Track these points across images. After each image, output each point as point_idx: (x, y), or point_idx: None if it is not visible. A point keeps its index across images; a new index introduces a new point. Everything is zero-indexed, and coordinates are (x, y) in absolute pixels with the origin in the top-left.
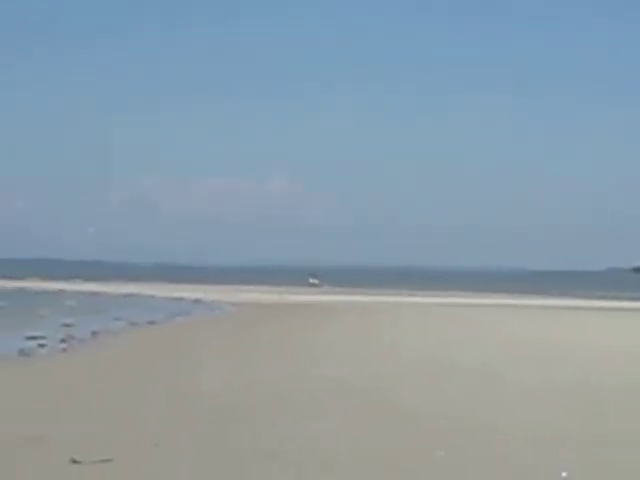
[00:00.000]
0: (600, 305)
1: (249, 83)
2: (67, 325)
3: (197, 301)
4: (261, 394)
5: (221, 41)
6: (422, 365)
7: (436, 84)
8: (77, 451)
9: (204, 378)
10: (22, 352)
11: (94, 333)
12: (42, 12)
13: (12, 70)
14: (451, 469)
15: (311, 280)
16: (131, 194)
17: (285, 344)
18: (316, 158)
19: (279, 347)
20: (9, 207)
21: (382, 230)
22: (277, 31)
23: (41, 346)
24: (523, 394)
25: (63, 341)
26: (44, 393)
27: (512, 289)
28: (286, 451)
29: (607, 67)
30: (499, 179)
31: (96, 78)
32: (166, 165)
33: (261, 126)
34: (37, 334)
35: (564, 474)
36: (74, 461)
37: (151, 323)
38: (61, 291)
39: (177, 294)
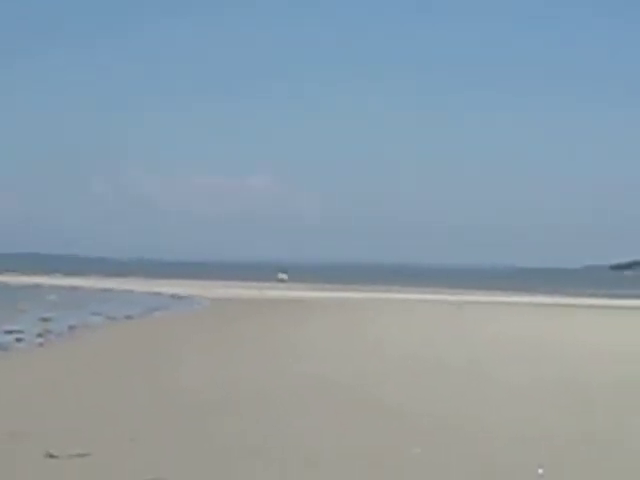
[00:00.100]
0: (587, 302)
1: (248, 83)
2: (45, 320)
3: (176, 296)
4: (243, 390)
5: (219, 40)
6: (406, 362)
7: (436, 84)
8: (54, 446)
9: (183, 373)
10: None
11: (71, 327)
12: (42, 12)
13: (12, 70)
14: (435, 467)
15: (280, 275)
16: (115, 187)
17: (266, 340)
18: (314, 158)
19: (260, 343)
20: (4, 203)
21: (375, 228)
22: (277, 31)
23: (18, 340)
24: (509, 392)
25: (40, 335)
26: (21, 388)
27: (497, 286)
28: (269, 448)
29: (607, 67)
30: (496, 178)
31: (96, 78)
32: (164, 163)
33: (257, 125)
34: (15, 328)
35: (540, 471)
36: (50, 455)
37: (129, 318)
38: (38, 285)
39: (156, 289)
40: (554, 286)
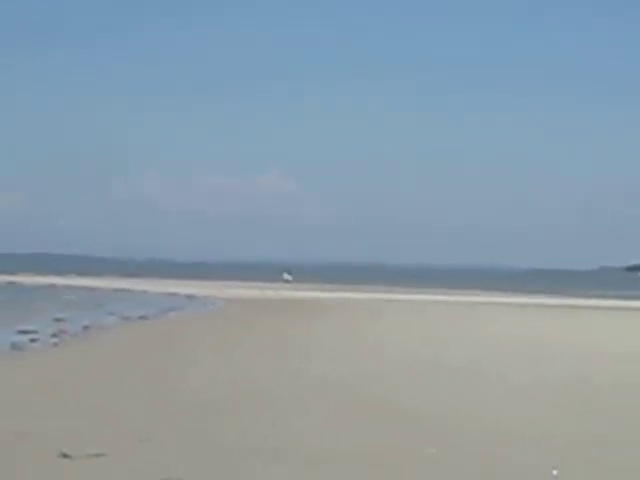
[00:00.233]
0: (593, 304)
1: (248, 82)
2: (59, 320)
3: (190, 297)
4: (247, 390)
5: (220, 40)
6: (407, 362)
7: (436, 84)
8: (67, 445)
9: (194, 374)
10: (14, 346)
11: (86, 328)
12: (42, 12)
13: (12, 70)
14: (436, 467)
15: (285, 276)
16: (129, 191)
17: (274, 340)
18: (315, 158)
19: (268, 343)
20: (6, 203)
21: (376, 228)
22: (277, 31)
23: (33, 340)
24: (511, 392)
25: (55, 335)
26: (35, 388)
27: (503, 287)
28: (272, 448)
29: (607, 67)
30: (496, 178)
31: (96, 78)
32: (164, 163)
33: (259, 125)
34: (29, 328)
35: (555, 472)
36: (64, 455)
37: (143, 318)
38: (53, 286)
39: (171, 289)
40: (565, 287)
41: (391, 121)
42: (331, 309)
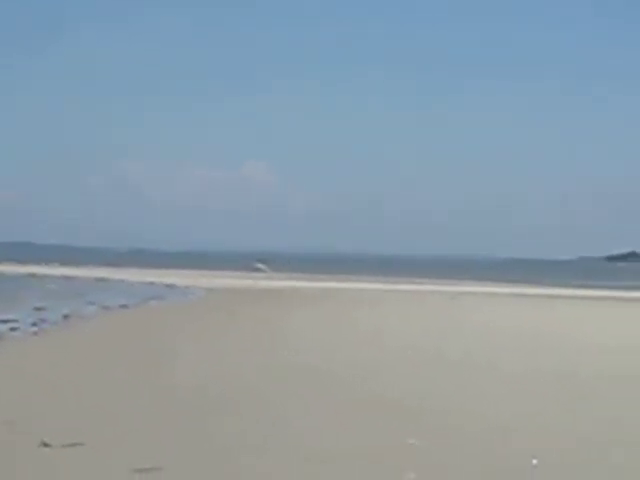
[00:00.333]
0: (578, 293)
1: (245, 79)
2: (39, 309)
3: (170, 286)
4: (238, 384)
5: (219, 38)
6: (404, 353)
7: (436, 82)
8: (48, 435)
9: (176, 363)
10: None
11: (66, 317)
12: (41, 12)
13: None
14: (434, 462)
15: (257, 265)
16: (112, 179)
17: (262, 331)
18: (313, 155)
19: (255, 333)
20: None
21: (369, 220)
22: (277, 30)
23: (13, 329)
24: (507, 384)
25: (35, 325)
26: (15, 377)
27: (484, 277)
28: (268, 444)
29: (607, 67)
30: (479, 172)
31: (95, 76)
32: (148, 152)
33: (256, 120)
34: (9, 317)
35: (534, 461)
36: (44, 444)
37: (123, 307)
38: (33, 275)
39: (151, 279)
40: (545, 277)
41: (387, 116)
42: (314, 299)
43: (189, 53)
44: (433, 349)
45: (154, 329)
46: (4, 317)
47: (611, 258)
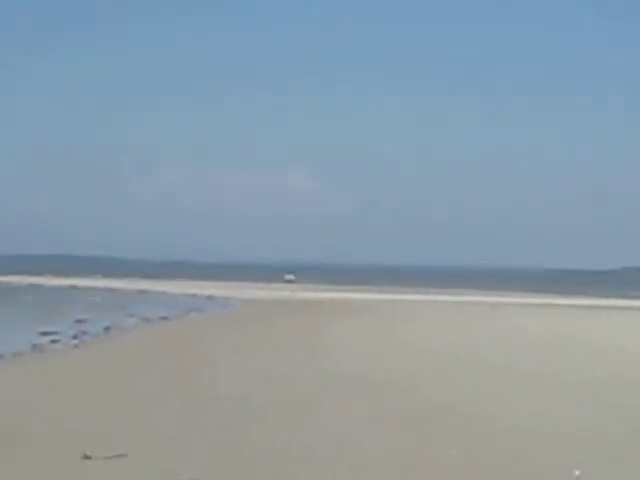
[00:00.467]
0: (621, 304)
1: (269, 82)
2: (80, 321)
3: (210, 297)
4: (282, 393)
5: (240, 39)
6: (445, 364)
7: (439, 84)
8: (89, 446)
9: (215, 374)
10: (35, 348)
11: (106, 329)
12: (44, 14)
13: (30, 72)
14: (478, 471)
15: (287, 277)
16: (149, 191)
17: (304, 342)
18: (334, 156)
19: (298, 345)
20: (25, 203)
21: (406, 230)
22: (297, 32)
23: (54, 342)
24: (550, 392)
25: (75, 337)
26: (55, 389)
27: (528, 288)
28: (313, 453)
29: (607, 67)
30: (516, 179)
31: (111, 79)
32: (185, 161)
33: (277, 124)
34: (50, 330)
35: (577, 472)
36: (86, 456)
37: (164, 319)
38: (74, 287)
39: (190, 290)
40: (586, 288)
41: (411, 124)
42: (354, 310)
43: (199, 55)
44: (474, 359)
45: (194, 340)
46: (45, 329)
47: None
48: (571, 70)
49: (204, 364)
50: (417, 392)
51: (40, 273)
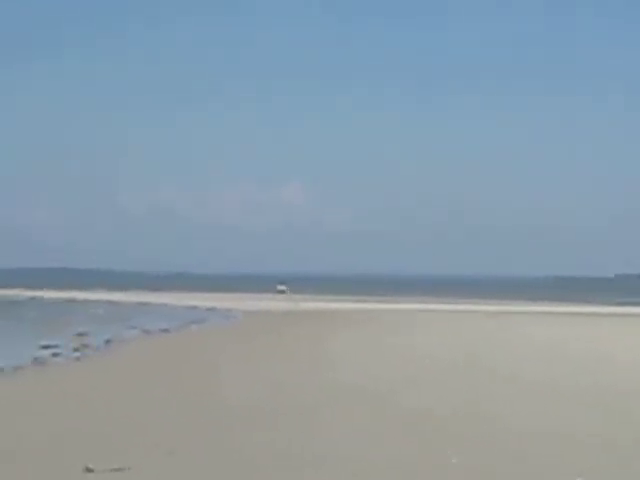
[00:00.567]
0: (622, 311)
1: (266, 91)
2: (81, 334)
3: (211, 309)
4: (290, 403)
5: (235, 47)
6: (447, 373)
7: (441, 87)
8: (91, 459)
9: (217, 386)
10: (36, 361)
11: (107, 342)
12: (45, 17)
13: (35, 77)
14: (479, 479)
15: (279, 287)
16: (147, 203)
17: (307, 352)
18: (332, 167)
19: (301, 355)
20: (24, 216)
21: (401, 238)
22: (294, 35)
23: (55, 355)
24: (556, 399)
25: (77, 350)
26: (57, 402)
27: (524, 296)
28: (319, 460)
29: (607, 67)
30: (524, 187)
31: (111, 86)
32: (183, 174)
33: (278, 133)
34: (51, 343)
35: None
36: (88, 469)
37: (164, 331)
38: (74, 300)
39: (191, 302)
40: (587, 295)
41: (409, 130)
42: (356, 320)
43: (208, 66)
44: (476, 367)
45: (195, 352)
46: (47, 343)
47: None
48: (571, 70)
49: (205, 375)
50: (418, 400)
51: (39, 286)
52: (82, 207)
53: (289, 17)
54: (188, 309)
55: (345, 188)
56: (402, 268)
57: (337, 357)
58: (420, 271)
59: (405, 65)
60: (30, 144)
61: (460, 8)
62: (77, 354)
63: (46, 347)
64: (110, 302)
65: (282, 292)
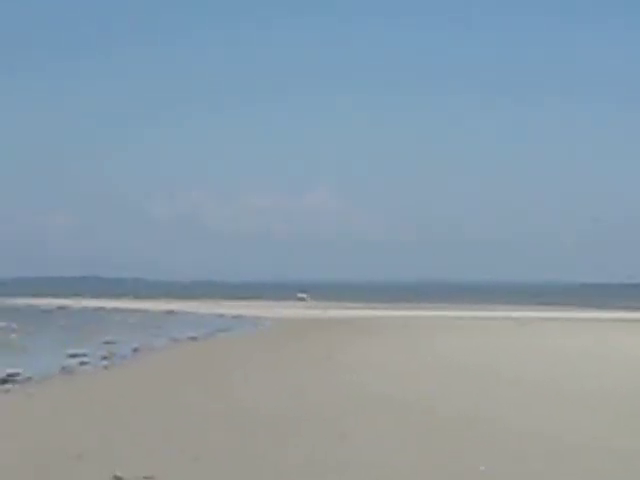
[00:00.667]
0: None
1: (294, 101)
2: (109, 343)
3: (238, 317)
4: (304, 409)
5: (255, 54)
6: (476, 382)
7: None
8: (119, 467)
9: (245, 394)
10: (64, 370)
11: (135, 350)
12: (45, 17)
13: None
14: None
15: (299, 295)
16: (175, 212)
17: (328, 358)
18: (360, 174)
19: (322, 362)
20: (52, 226)
21: (436, 245)
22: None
23: (83, 363)
24: (586, 409)
25: (105, 358)
26: (85, 410)
27: (550, 301)
28: (345, 468)
29: (607, 67)
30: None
31: (133, 92)
32: (210, 181)
33: (304, 140)
34: (79, 352)
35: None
36: (117, 477)
37: (192, 339)
38: (102, 309)
39: (218, 310)
40: (614, 301)
41: (435, 136)
42: (380, 327)
43: (234, 76)
44: (505, 375)
45: (222, 361)
46: (74, 351)
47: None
48: (571, 70)
49: (233, 383)
50: (444, 407)
51: (67, 295)
52: (110, 216)
53: (304, 30)
54: (215, 317)
55: (374, 196)
56: (427, 274)
57: (364, 364)
58: (432, 277)
59: (405, 65)
60: (60, 154)
61: (460, 8)
62: (105, 362)
63: (74, 356)
64: (138, 310)
65: (302, 299)
